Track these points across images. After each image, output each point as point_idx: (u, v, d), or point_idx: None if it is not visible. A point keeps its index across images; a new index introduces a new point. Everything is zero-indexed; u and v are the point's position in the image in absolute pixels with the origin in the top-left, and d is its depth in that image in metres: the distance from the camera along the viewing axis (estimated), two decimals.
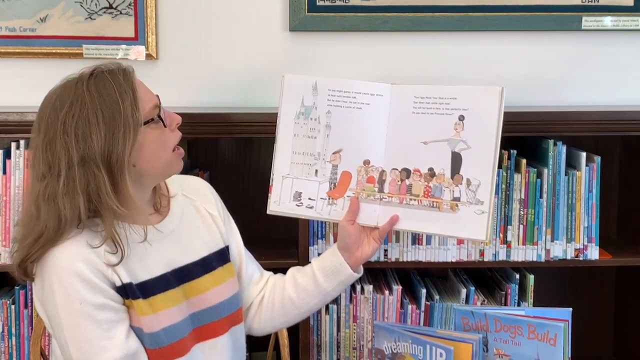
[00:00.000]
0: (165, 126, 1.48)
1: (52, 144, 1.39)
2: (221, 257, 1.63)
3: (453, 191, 1.60)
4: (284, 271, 1.76)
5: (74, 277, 1.39)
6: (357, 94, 1.66)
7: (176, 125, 1.52)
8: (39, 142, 1.41)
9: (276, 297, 1.70)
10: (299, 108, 1.69)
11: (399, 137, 1.65)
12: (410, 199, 1.64)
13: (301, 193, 1.69)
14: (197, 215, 1.63)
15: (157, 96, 1.50)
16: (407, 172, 1.64)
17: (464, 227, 1.60)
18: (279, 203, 1.69)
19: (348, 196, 1.67)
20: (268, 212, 1.71)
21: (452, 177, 1.61)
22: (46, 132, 1.40)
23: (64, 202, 1.38)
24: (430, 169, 1.63)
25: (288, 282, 1.70)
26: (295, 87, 1.69)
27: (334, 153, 1.68)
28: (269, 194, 1.70)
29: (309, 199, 1.69)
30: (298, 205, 1.69)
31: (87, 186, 1.38)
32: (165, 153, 1.48)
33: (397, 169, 1.65)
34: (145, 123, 1.43)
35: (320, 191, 1.68)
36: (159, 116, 1.46)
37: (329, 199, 1.68)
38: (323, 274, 1.66)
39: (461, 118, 1.60)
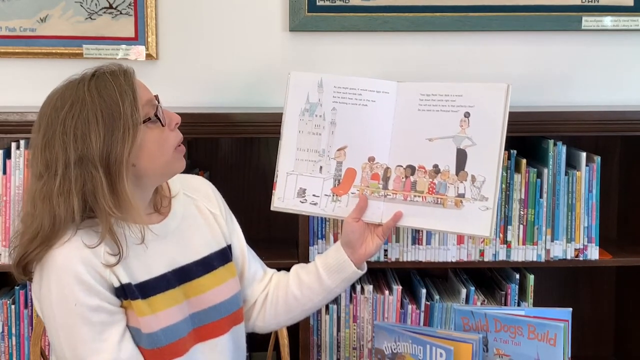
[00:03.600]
0: (163, 125, 1.47)
1: (50, 144, 1.40)
2: (222, 256, 1.63)
3: (457, 187, 1.61)
4: (284, 270, 1.76)
5: (71, 278, 1.38)
6: (363, 91, 1.67)
7: (175, 125, 1.51)
8: (38, 142, 1.42)
9: (280, 295, 1.70)
10: (304, 105, 1.69)
11: (404, 134, 1.65)
12: (415, 196, 1.64)
13: (305, 189, 1.69)
14: (198, 215, 1.63)
15: (156, 96, 1.50)
16: (411, 169, 1.65)
17: (468, 223, 1.60)
18: (283, 199, 1.70)
19: (352, 193, 1.67)
20: (272, 208, 1.71)
21: (456, 174, 1.61)
22: (45, 132, 1.41)
23: (59, 202, 1.38)
24: (435, 166, 1.63)
25: (292, 279, 1.70)
26: (300, 84, 1.70)
27: (338, 150, 1.68)
28: (273, 191, 1.70)
29: (313, 195, 1.69)
30: (302, 202, 1.69)
31: (83, 186, 1.38)
32: (165, 152, 1.48)
33: (401, 166, 1.65)
34: (143, 122, 1.43)
35: (324, 188, 1.69)
36: (156, 115, 1.46)
37: (333, 195, 1.69)
38: (327, 271, 1.66)
39: (467, 115, 1.60)
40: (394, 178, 1.66)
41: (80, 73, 1.45)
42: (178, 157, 1.51)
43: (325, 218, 2.04)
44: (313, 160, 1.69)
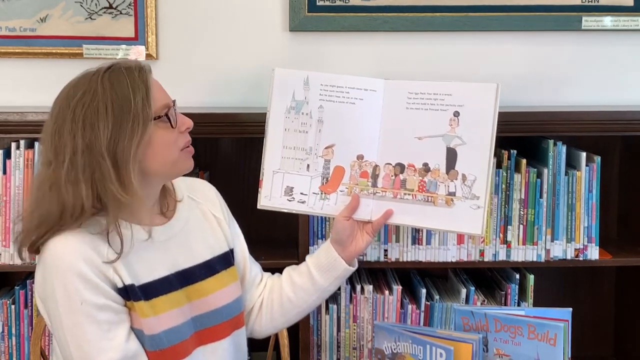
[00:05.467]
0: (173, 127, 1.47)
1: (60, 131, 1.41)
2: (225, 260, 1.63)
3: (448, 186, 1.62)
4: (278, 273, 1.76)
5: (75, 277, 1.39)
6: (350, 89, 1.68)
7: (186, 129, 1.52)
8: (49, 128, 1.44)
9: (274, 299, 1.71)
10: (290, 102, 1.70)
11: (393, 132, 1.67)
12: (405, 194, 1.65)
13: (292, 188, 1.70)
14: (202, 218, 1.64)
15: (174, 101, 1.51)
16: (401, 167, 1.66)
17: (459, 222, 1.62)
18: (270, 198, 1.70)
19: (341, 191, 1.68)
20: (259, 206, 1.72)
21: (447, 173, 1.63)
22: (56, 119, 1.42)
23: (67, 189, 1.39)
24: (425, 164, 1.64)
25: (285, 282, 1.71)
26: (285, 81, 1.70)
27: (326, 148, 1.69)
28: (259, 189, 1.71)
29: (301, 193, 1.70)
30: (289, 200, 1.70)
31: (92, 174, 1.39)
32: (171, 153, 1.48)
33: (390, 164, 1.66)
34: (154, 119, 1.44)
35: (312, 186, 1.70)
36: (167, 115, 1.46)
37: (322, 193, 1.69)
38: (319, 271, 1.67)
39: (456, 114, 1.62)
40: (383, 176, 1.67)
41: (97, 66, 1.47)
42: (185, 158, 1.52)
43: (325, 217, 2.04)
44: (300, 159, 1.70)
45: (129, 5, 2.21)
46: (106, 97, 1.40)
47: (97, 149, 1.39)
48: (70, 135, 1.40)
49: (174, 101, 1.52)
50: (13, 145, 2.00)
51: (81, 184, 1.39)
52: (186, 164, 1.53)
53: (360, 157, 1.68)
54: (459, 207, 1.62)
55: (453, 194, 1.62)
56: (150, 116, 1.43)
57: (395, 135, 1.66)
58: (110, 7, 2.22)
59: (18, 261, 2.01)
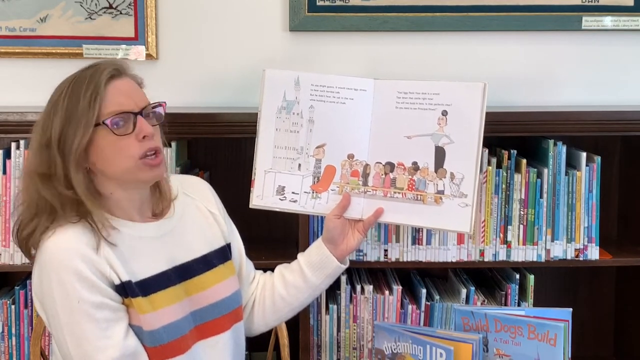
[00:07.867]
0: (116, 134, 1.43)
1: (37, 123, 1.47)
2: (222, 254, 1.64)
3: (437, 184, 1.64)
4: (270, 271, 1.77)
5: (72, 275, 1.39)
6: (340, 89, 1.69)
7: (144, 137, 1.45)
8: (36, 120, 1.49)
9: (267, 296, 1.72)
10: (281, 103, 1.71)
11: (383, 131, 1.68)
12: (395, 192, 1.67)
13: (284, 187, 1.71)
14: (198, 214, 1.64)
15: (151, 105, 1.49)
16: (391, 166, 1.68)
17: (448, 220, 1.64)
18: (262, 197, 1.72)
19: (332, 190, 1.69)
20: (251, 206, 1.73)
21: (435, 171, 1.65)
22: (42, 113, 1.48)
23: (42, 183, 1.44)
24: (414, 163, 1.66)
25: (277, 280, 1.72)
26: (276, 81, 1.71)
27: (317, 147, 1.70)
28: (252, 188, 1.72)
29: (293, 192, 1.71)
30: (281, 199, 1.71)
31: (47, 169, 1.43)
32: (122, 160, 1.45)
33: (381, 163, 1.68)
34: (97, 125, 1.42)
35: (303, 185, 1.71)
36: (104, 122, 1.42)
37: (313, 192, 1.71)
38: (310, 269, 1.68)
39: (444, 113, 1.63)
40: (373, 175, 1.68)
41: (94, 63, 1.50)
42: (143, 168, 1.46)
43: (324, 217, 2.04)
44: (291, 158, 1.71)
45: (129, 5, 2.21)
46: (66, 95, 1.44)
47: (52, 145, 1.43)
48: (39, 129, 1.45)
49: (148, 105, 1.48)
50: (13, 145, 2.00)
51: (37, 177, 1.44)
52: (144, 175, 1.47)
53: (350, 157, 1.69)
54: (448, 205, 1.63)
55: (442, 192, 1.64)
56: (92, 121, 1.42)
57: (385, 135, 1.68)
58: (110, 7, 2.22)
59: (18, 261, 2.01)
